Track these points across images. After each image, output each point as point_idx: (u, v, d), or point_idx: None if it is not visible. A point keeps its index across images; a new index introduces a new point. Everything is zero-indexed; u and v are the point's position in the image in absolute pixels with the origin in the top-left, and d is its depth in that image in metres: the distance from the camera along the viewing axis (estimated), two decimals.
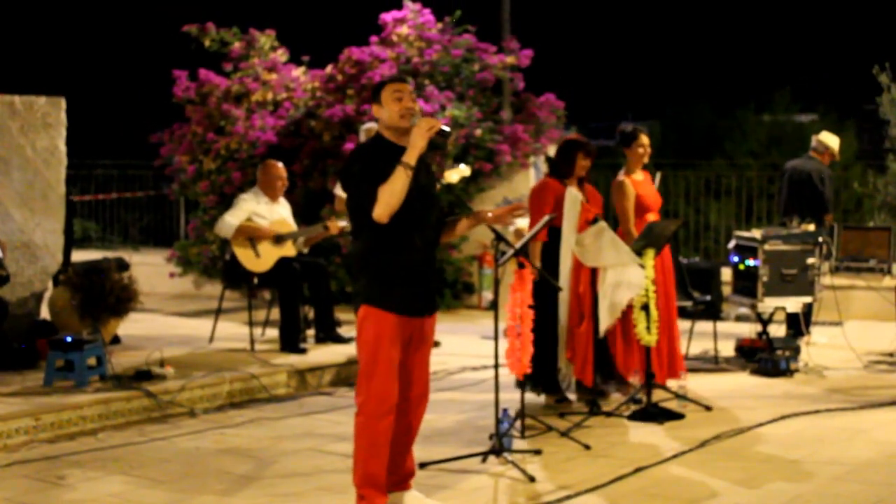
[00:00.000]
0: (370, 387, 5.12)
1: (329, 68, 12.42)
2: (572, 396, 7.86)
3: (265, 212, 9.19)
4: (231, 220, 9.04)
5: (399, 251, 5.14)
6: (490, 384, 6.89)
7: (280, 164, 9.40)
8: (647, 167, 8.47)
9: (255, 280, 9.13)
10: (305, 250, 9.48)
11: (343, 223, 9.38)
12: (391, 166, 5.03)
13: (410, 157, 5.05)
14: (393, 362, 5.14)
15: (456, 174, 9.69)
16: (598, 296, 7.33)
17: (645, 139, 8.23)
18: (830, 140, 10.65)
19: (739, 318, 11.64)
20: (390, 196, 4.99)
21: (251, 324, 9.32)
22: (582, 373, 7.52)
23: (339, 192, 9.67)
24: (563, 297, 7.43)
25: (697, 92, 23.73)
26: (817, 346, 9.92)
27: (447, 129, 5.13)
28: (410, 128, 5.12)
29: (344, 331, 9.59)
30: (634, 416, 7.35)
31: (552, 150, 12.45)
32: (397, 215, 5.05)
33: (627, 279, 7.25)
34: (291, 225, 9.36)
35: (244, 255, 9.04)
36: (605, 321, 7.30)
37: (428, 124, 5.10)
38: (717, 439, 6.82)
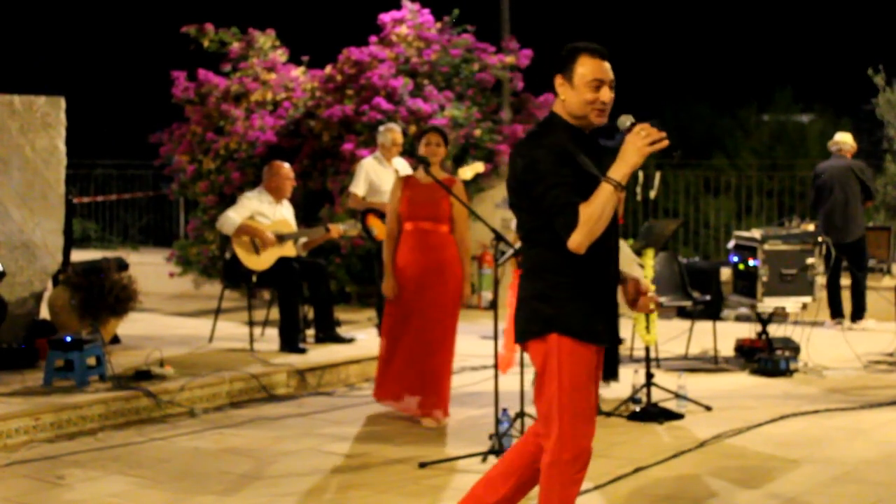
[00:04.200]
0: (566, 429, 4.17)
1: (328, 68, 12.43)
2: None
3: (268, 212, 9.20)
4: (234, 216, 9.05)
5: (595, 267, 4.19)
6: (490, 384, 6.89)
7: (287, 165, 9.41)
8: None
9: (254, 278, 9.14)
10: (304, 253, 9.47)
11: (344, 227, 9.36)
12: (582, 163, 4.12)
13: (622, 173, 4.00)
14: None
15: (470, 171, 9.72)
16: None
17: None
18: (849, 137, 11.64)
19: (739, 318, 11.65)
20: (597, 223, 4.00)
21: (251, 323, 9.32)
22: None
23: (355, 189, 9.63)
24: None
25: (696, 91, 23.77)
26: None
27: (675, 151, 4.07)
28: (599, 125, 4.19)
29: (343, 330, 9.60)
30: (634, 416, 7.36)
31: None
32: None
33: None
34: (293, 226, 9.37)
35: (244, 253, 9.05)
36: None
37: (649, 136, 3.99)
38: (716, 439, 6.82)
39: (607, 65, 4.15)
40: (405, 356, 7.27)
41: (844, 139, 11.58)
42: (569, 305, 4.14)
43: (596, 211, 3.99)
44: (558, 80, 4.19)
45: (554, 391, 4.16)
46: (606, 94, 4.14)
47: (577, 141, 4.16)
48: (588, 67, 4.13)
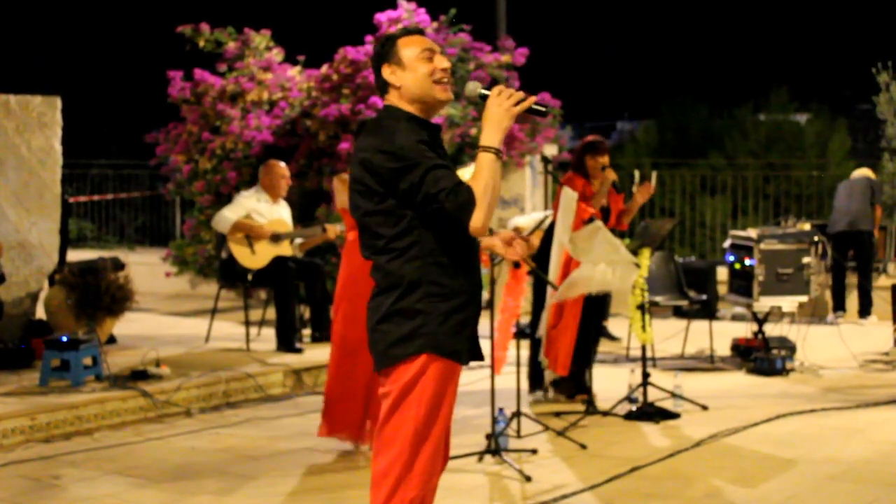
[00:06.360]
0: (419, 463, 3.67)
1: (324, 68, 12.42)
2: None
3: (265, 211, 9.20)
4: (229, 214, 9.06)
5: (467, 275, 3.77)
6: (485, 383, 6.89)
7: (282, 164, 9.42)
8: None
9: (250, 277, 9.13)
10: (300, 254, 9.46)
11: (341, 227, 9.35)
12: (438, 153, 3.74)
13: (497, 139, 3.65)
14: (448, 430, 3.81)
15: (467, 171, 9.66)
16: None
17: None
18: (870, 172, 12.36)
19: (735, 318, 11.66)
20: (493, 196, 3.60)
21: (247, 323, 9.32)
22: (556, 365, 7.54)
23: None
24: (549, 294, 7.44)
25: (693, 91, 23.80)
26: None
27: (543, 108, 3.74)
28: (446, 102, 3.84)
29: None
30: (630, 416, 7.36)
31: (548, 150, 12.53)
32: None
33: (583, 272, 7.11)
34: (289, 226, 9.36)
35: (240, 252, 9.05)
36: (559, 294, 7.17)
37: (512, 98, 3.68)
38: (712, 438, 6.82)
39: (430, 40, 3.83)
40: (365, 386, 6.47)
41: (864, 172, 12.20)
42: (443, 322, 3.67)
43: (489, 183, 3.59)
44: (387, 71, 3.79)
45: (418, 418, 3.65)
46: (442, 61, 3.77)
47: (422, 130, 3.75)
48: (412, 44, 3.79)
